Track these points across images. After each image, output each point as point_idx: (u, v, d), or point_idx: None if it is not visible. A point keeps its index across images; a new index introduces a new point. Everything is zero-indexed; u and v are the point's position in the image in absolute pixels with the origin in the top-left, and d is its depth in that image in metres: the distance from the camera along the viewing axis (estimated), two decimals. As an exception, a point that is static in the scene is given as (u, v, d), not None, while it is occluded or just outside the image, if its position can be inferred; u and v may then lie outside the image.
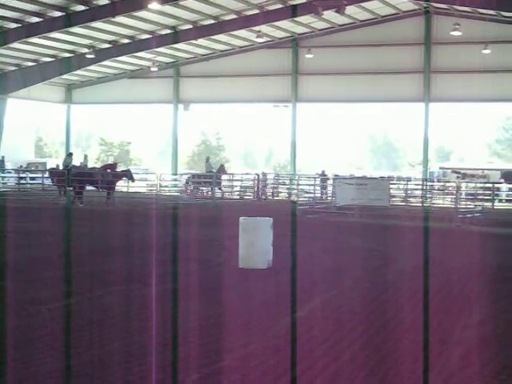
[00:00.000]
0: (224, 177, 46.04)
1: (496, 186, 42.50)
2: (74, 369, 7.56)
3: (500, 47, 46.85)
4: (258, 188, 43.96)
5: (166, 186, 49.53)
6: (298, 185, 46.29)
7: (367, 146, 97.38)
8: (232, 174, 49.73)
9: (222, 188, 44.95)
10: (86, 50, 49.95)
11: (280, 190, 49.06)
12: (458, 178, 47.94)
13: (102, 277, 13.33)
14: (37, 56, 51.25)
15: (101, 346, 8.49)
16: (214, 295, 11.67)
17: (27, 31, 43.07)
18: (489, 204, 36.86)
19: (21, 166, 53.18)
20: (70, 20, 41.68)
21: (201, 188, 45.26)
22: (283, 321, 9.93)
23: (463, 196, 37.18)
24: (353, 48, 50.80)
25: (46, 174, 45.07)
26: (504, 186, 46.23)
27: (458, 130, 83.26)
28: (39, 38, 44.85)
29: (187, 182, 43.90)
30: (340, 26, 50.07)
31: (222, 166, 46.16)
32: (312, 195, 40.97)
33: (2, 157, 53.28)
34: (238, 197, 44.87)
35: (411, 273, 14.70)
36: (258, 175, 45.06)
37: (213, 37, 48.86)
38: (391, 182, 41.18)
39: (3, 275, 12.80)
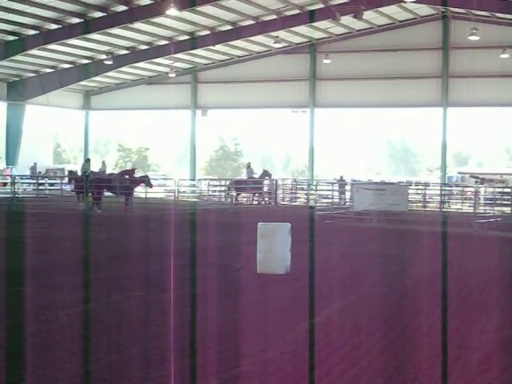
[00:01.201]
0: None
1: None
2: (93, 374, 7.57)
3: (518, 51, 46.73)
4: (275, 194, 43.83)
5: (184, 192, 49.55)
6: (316, 190, 46.23)
7: (385, 152, 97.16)
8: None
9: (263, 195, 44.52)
10: (104, 57, 50.21)
11: (298, 195, 49.00)
12: (476, 182, 47.75)
13: (120, 282, 13.36)
14: (55, 62, 51.56)
15: (119, 352, 8.49)
16: (231, 300, 11.66)
17: (46, 38, 43.37)
18: (508, 209, 36.67)
19: (39, 172, 53.46)
20: (88, 27, 41.94)
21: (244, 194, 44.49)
22: (301, 326, 9.92)
23: (482, 201, 36.93)
24: (370, 53, 50.77)
25: (65, 180, 45.21)
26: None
27: (476, 134, 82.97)
28: (58, 44, 45.14)
29: (229, 189, 43.35)
30: (358, 31, 50.08)
31: (265, 171, 45.44)
32: (330, 200, 40.87)
33: (35, 163, 53.79)
34: (256, 202, 44.78)
35: (429, 278, 14.64)
36: (276, 181, 44.95)
37: (230, 43, 48.99)
38: (409, 187, 41.01)
39: (22, 281, 12.85)
